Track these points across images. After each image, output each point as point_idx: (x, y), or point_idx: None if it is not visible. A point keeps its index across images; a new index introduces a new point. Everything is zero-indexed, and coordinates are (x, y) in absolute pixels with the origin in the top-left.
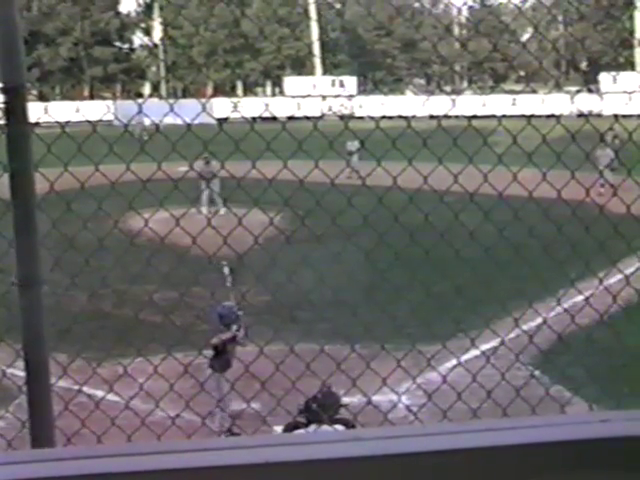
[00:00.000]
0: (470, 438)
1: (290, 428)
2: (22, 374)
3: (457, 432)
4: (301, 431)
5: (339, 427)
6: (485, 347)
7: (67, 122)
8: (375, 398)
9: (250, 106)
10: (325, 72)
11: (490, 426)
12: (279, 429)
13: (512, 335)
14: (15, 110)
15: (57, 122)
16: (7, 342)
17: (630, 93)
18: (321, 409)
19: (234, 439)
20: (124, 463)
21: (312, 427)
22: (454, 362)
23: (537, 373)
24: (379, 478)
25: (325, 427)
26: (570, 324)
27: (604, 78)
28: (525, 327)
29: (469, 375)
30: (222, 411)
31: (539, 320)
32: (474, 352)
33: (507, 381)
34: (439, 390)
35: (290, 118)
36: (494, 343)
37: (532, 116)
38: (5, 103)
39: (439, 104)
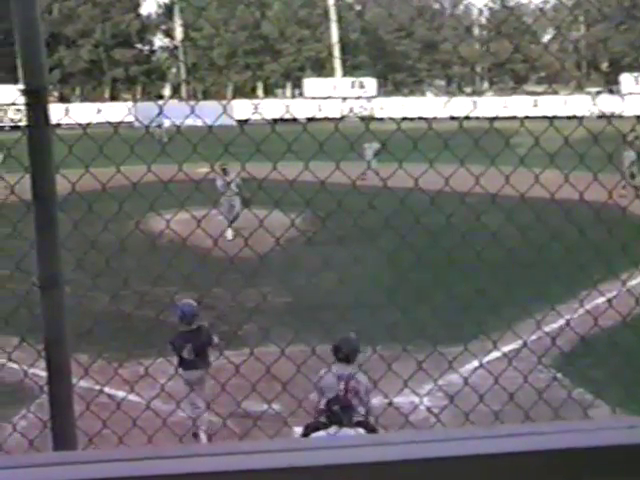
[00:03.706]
0: (496, 443)
1: (311, 429)
2: (44, 374)
3: (483, 437)
4: (321, 433)
5: (360, 430)
6: (506, 349)
7: (88, 124)
8: (396, 400)
9: (270, 108)
10: (345, 74)
11: (515, 431)
12: (299, 430)
13: (533, 337)
14: (37, 112)
15: (79, 124)
16: (29, 342)
17: None
18: (343, 410)
19: (258, 443)
20: (146, 467)
21: (333, 429)
22: (474, 364)
23: (559, 375)
24: None
25: (346, 430)
26: (593, 326)
27: (625, 79)
28: (546, 329)
29: (489, 377)
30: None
31: (560, 322)
32: (494, 354)
33: (529, 384)
34: (459, 392)
35: (310, 120)
36: (515, 345)
37: (554, 117)
38: (27, 105)
39: (459, 105)
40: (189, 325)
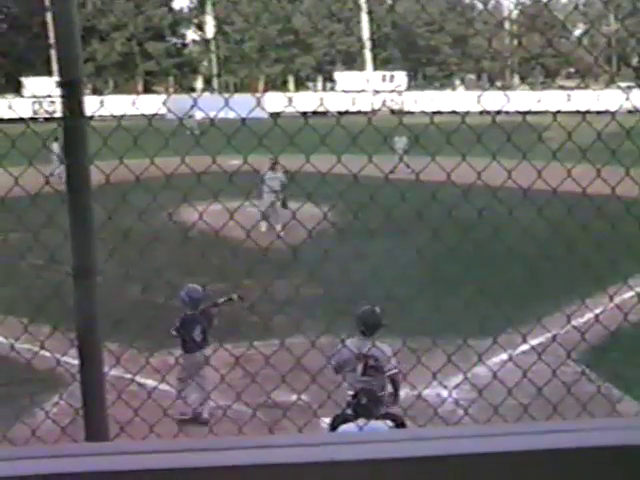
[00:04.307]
0: (531, 440)
1: (339, 421)
2: (76, 362)
3: (521, 433)
4: (351, 425)
5: (388, 422)
6: (533, 343)
7: (122, 116)
8: (423, 392)
9: (301, 101)
10: (376, 67)
11: (551, 428)
12: (327, 421)
13: (561, 331)
14: (72, 104)
15: (114, 115)
16: (61, 331)
17: None
18: (371, 403)
19: (295, 436)
20: (178, 459)
21: (360, 421)
22: (501, 357)
23: (586, 370)
24: (440, 478)
25: (374, 422)
26: (621, 321)
27: None
28: (574, 323)
29: (516, 370)
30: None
31: (588, 316)
32: (521, 347)
33: (558, 378)
34: (488, 385)
35: (342, 113)
36: (542, 339)
37: (586, 112)
38: (62, 97)
39: (490, 99)
40: (195, 309)
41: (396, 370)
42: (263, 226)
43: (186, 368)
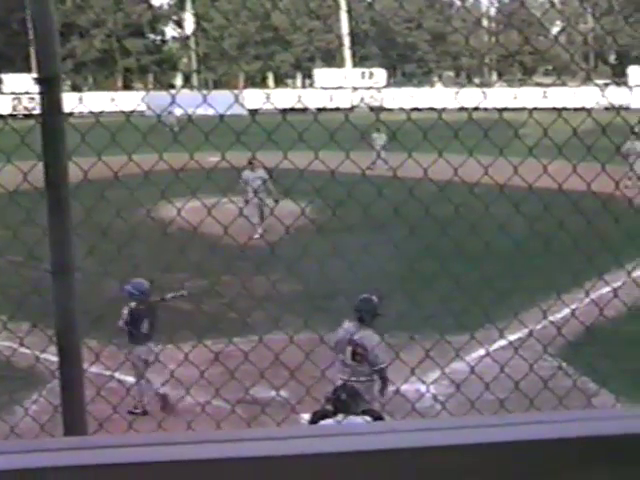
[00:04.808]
0: (507, 431)
1: (318, 417)
2: (55, 359)
3: (496, 425)
4: (329, 420)
5: (367, 418)
6: (511, 338)
7: (101, 112)
8: (401, 387)
9: (281, 97)
10: (355, 64)
11: (527, 419)
12: (307, 417)
13: (538, 326)
14: (50, 100)
15: (92, 112)
16: (40, 328)
17: None
18: (350, 399)
19: (270, 430)
20: (156, 453)
21: (339, 417)
22: (479, 352)
23: (563, 364)
24: (415, 471)
25: (352, 417)
26: (597, 316)
27: (633, 71)
28: (551, 318)
29: (494, 365)
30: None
31: (565, 311)
32: (499, 343)
33: (535, 372)
34: (465, 380)
35: (321, 110)
36: (520, 334)
37: (561, 109)
38: (41, 93)
39: (468, 96)
40: (143, 302)
41: (384, 365)
42: (258, 230)
43: (133, 360)
